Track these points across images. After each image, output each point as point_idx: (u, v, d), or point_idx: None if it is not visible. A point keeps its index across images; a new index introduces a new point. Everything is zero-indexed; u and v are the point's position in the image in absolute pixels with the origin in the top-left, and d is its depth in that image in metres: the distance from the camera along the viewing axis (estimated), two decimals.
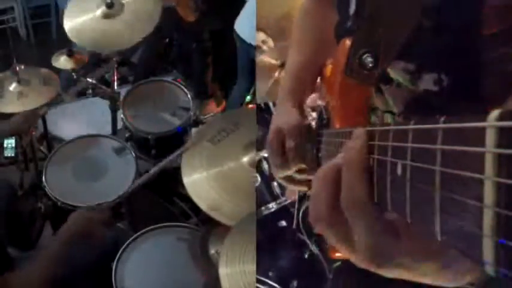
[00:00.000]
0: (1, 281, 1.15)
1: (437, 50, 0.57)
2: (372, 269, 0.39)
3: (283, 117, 0.87)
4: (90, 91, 2.11)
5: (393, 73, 0.62)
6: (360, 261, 0.40)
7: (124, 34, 1.85)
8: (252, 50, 2.29)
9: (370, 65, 0.59)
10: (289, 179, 0.86)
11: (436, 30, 0.55)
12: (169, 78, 2.23)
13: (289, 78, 0.93)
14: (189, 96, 2.01)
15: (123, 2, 1.91)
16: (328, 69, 0.82)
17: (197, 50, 2.80)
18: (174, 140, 1.95)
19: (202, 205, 1.27)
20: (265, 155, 1.95)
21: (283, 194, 1.98)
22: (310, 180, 0.82)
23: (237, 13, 2.38)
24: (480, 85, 0.53)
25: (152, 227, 1.51)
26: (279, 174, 0.86)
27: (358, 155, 0.39)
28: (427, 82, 0.58)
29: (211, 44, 2.75)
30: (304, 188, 0.87)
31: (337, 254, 0.67)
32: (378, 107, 0.68)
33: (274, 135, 0.85)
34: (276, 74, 2.04)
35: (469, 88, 0.54)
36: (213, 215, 1.24)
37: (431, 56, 0.57)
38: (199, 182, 1.33)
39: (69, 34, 1.84)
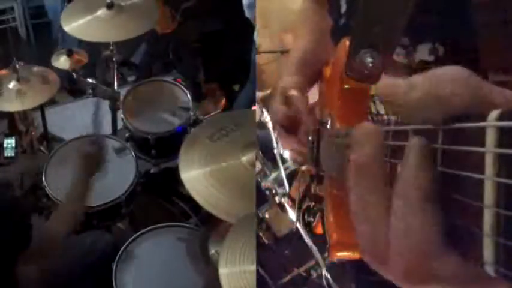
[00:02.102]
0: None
1: (429, 21, 0.58)
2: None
3: (288, 81, 0.86)
4: (90, 91, 2.11)
5: None
6: None
7: (124, 28, 1.88)
8: None
9: (370, 64, 0.59)
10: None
11: (424, 3, 0.56)
12: (169, 78, 2.23)
13: (291, 66, 0.94)
14: (189, 96, 2.01)
15: (122, 4, 1.92)
16: (328, 70, 0.82)
17: (185, 53, 2.80)
18: (174, 140, 1.95)
19: (200, 201, 1.27)
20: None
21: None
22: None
23: (237, 13, 2.38)
24: (474, 51, 0.54)
25: (152, 227, 1.51)
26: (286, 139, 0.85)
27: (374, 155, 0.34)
28: (423, 53, 0.60)
29: (200, 45, 2.76)
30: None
31: (338, 254, 0.66)
32: (372, 94, 0.68)
33: (281, 96, 0.83)
34: None
35: (464, 55, 0.55)
36: (211, 210, 1.24)
37: (424, 27, 0.59)
38: (197, 178, 1.33)
39: (68, 31, 1.86)
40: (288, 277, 1.84)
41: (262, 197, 1.82)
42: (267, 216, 1.89)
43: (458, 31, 0.56)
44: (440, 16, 0.57)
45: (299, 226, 1.67)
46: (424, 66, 0.60)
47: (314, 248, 1.69)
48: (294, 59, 0.95)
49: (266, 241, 1.86)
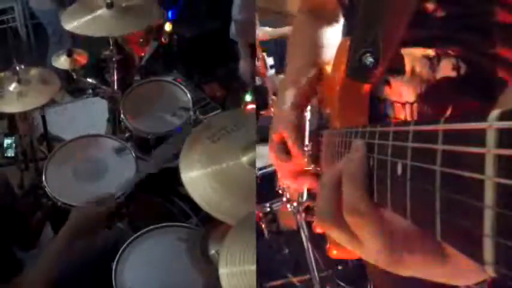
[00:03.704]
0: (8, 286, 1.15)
1: (454, 36, 0.57)
2: (390, 269, 0.39)
3: (283, 121, 0.85)
4: (90, 91, 2.11)
5: (411, 61, 0.62)
6: (375, 262, 0.40)
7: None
8: None
9: (371, 64, 0.59)
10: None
11: (447, 17, 0.55)
12: (169, 78, 2.23)
13: (287, 84, 0.92)
14: (189, 96, 2.01)
15: (123, 5, 1.92)
16: (328, 70, 0.82)
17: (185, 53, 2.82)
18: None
19: (200, 202, 1.27)
20: None
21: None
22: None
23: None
24: (494, 73, 0.53)
25: (152, 227, 1.51)
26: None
27: (358, 168, 0.39)
28: (446, 68, 0.58)
29: (200, 45, 2.77)
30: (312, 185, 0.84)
31: (335, 253, 0.66)
32: (386, 97, 0.68)
33: (278, 140, 0.81)
34: None
35: (483, 76, 0.55)
36: (211, 211, 1.24)
37: (449, 41, 0.58)
38: (197, 179, 1.33)
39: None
40: (280, 282, 1.79)
41: (277, 194, 1.83)
42: (275, 208, 1.90)
43: (479, 50, 0.55)
44: (464, 33, 0.56)
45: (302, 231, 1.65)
46: (443, 83, 0.59)
47: (312, 262, 1.66)
48: (288, 80, 0.91)
49: (266, 233, 1.82)
